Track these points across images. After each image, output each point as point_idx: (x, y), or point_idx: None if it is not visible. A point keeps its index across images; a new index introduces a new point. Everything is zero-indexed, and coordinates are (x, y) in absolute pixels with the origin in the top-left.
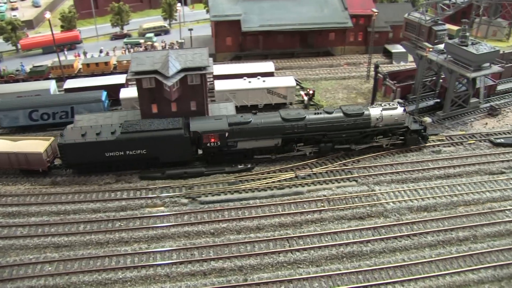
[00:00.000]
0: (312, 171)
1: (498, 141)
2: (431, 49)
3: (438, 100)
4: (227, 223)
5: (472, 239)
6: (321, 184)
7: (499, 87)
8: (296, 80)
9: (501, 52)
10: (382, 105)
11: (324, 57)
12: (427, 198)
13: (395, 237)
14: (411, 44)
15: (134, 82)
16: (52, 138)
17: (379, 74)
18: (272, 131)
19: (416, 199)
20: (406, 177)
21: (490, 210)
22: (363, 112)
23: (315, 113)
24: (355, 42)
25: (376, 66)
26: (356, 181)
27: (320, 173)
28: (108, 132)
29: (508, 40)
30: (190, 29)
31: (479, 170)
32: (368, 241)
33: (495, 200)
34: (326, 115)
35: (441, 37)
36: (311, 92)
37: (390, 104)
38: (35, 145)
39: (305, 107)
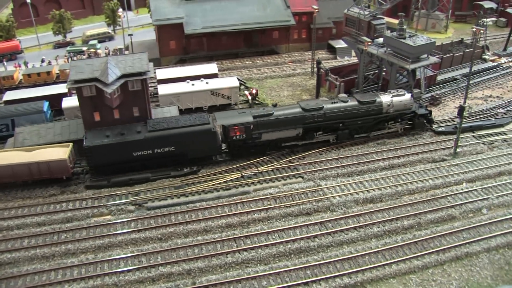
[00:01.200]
0: (258, 170)
1: (440, 129)
2: (370, 43)
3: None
4: (174, 227)
5: (416, 226)
6: (268, 183)
7: (439, 77)
8: (240, 80)
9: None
10: (392, 92)
11: (269, 56)
12: (373, 189)
13: (342, 230)
14: (352, 39)
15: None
16: (71, 144)
17: (321, 70)
18: (294, 121)
19: (361, 192)
20: (351, 170)
21: (433, 197)
22: (375, 100)
23: (331, 102)
24: (299, 40)
25: (318, 62)
26: (302, 177)
27: (266, 171)
28: (132, 131)
29: (447, 32)
30: (130, 35)
31: (422, 159)
32: (315, 236)
33: (438, 187)
34: (342, 104)
35: (380, 31)
36: (254, 91)
37: (399, 91)
38: (56, 152)
39: (249, 107)
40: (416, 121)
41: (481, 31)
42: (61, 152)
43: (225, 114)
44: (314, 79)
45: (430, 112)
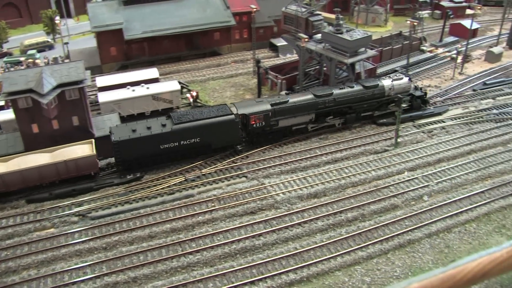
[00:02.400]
0: (201, 172)
1: (381, 121)
2: (307, 40)
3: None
4: (118, 236)
5: (360, 218)
6: (211, 184)
7: (380, 70)
8: (182, 83)
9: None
10: (391, 76)
11: (211, 57)
12: (316, 184)
13: (287, 227)
14: (291, 36)
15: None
16: (92, 140)
17: (261, 69)
18: (308, 107)
19: (305, 187)
20: (295, 167)
21: (376, 188)
22: (378, 84)
23: (340, 88)
24: (241, 40)
25: (257, 61)
26: (246, 177)
27: (210, 173)
28: (158, 125)
29: (386, 25)
30: (66, 43)
31: (364, 151)
32: (260, 235)
33: (380, 177)
34: (349, 89)
35: (318, 27)
36: (194, 94)
37: (397, 75)
38: (81, 150)
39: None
40: (414, 102)
41: (415, 24)
42: (85, 149)
43: (244, 103)
44: (256, 79)
45: (426, 93)
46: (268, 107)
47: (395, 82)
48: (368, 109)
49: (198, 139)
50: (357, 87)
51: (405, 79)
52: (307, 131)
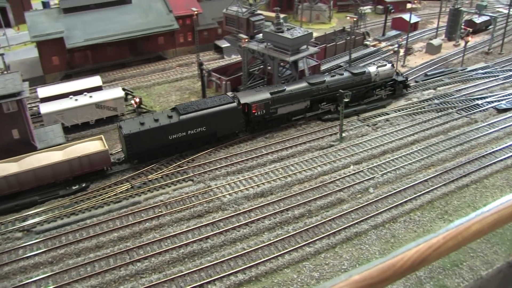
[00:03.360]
0: (147, 178)
1: (326, 116)
2: (247, 40)
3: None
4: (65, 248)
5: (307, 214)
6: (158, 190)
7: (324, 66)
8: (127, 90)
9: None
10: (376, 63)
11: (156, 62)
12: (263, 183)
13: (234, 228)
14: (233, 37)
15: None
16: (102, 136)
17: (204, 72)
18: (304, 95)
19: (252, 187)
20: (241, 167)
21: (322, 184)
22: (365, 71)
23: (331, 76)
24: (185, 43)
25: (200, 64)
26: (192, 180)
27: (156, 179)
28: (164, 117)
29: (331, 22)
30: (1, 54)
31: (310, 148)
32: (207, 237)
33: (326, 173)
34: (339, 76)
35: (259, 27)
36: (137, 100)
37: (381, 62)
38: (93, 145)
39: (138, 115)
40: (397, 87)
41: (355, 19)
42: (97, 145)
43: (245, 93)
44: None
45: (407, 78)
46: (268, 95)
47: (380, 69)
48: (357, 94)
49: (204, 128)
50: (346, 74)
51: (388, 66)
52: (304, 118)
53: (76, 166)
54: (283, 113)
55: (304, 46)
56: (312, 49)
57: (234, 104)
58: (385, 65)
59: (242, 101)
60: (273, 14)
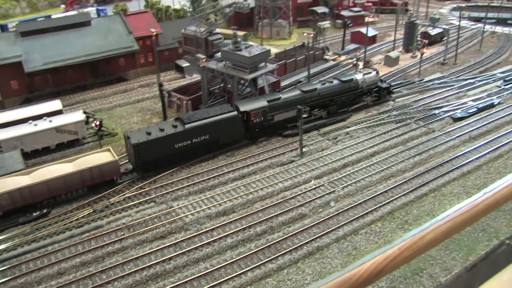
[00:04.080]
0: (109, 201)
1: (286, 132)
2: (204, 60)
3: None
4: (25, 277)
5: (269, 231)
6: (120, 213)
7: (285, 82)
8: (88, 113)
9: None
10: (362, 71)
11: (117, 84)
12: (224, 202)
13: (197, 248)
14: (192, 57)
15: None
16: (109, 147)
17: (164, 92)
18: (298, 102)
19: (214, 206)
20: (203, 187)
21: (283, 200)
22: (352, 78)
23: (322, 84)
24: (146, 64)
25: (160, 85)
26: (155, 201)
27: (118, 202)
28: (169, 126)
29: (291, 38)
30: None
31: (271, 164)
32: (170, 258)
33: (287, 188)
34: (330, 84)
35: (218, 46)
36: (97, 123)
37: (367, 70)
38: (103, 157)
39: (100, 138)
40: (381, 93)
41: (311, 35)
42: (106, 156)
43: (244, 102)
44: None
45: (390, 85)
46: (265, 103)
47: (366, 76)
48: (346, 101)
49: (207, 136)
50: (336, 82)
51: (373, 73)
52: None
53: (87, 177)
54: (279, 120)
55: (262, 64)
56: (271, 66)
57: (235, 113)
58: (370, 72)
59: (242, 109)
60: (239, 33)
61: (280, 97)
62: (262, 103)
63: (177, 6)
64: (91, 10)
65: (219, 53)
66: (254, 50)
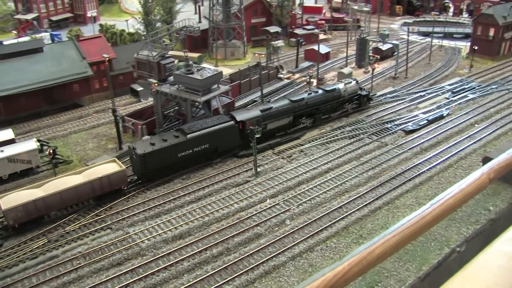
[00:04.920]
0: (65, 230)
1: (241, 153)
2: (156, 84)
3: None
4: None
5: (225, 252)
6: (76, 241)
7: (240, 102)
8: (42, 141)
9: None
10: (343, 81)
11: (72, 110)
12: (181, 225)
13: (153, 273)
14: (145, 81)
15: None
16: (114, 158)
17: (118, 118)
18: (287, 111)
19: (170, 230)
20: (159, 211)
21: (239, 220)
22: (335, 88)
23: (308, 94)
24: (101, 89)
25: (114, 111)
26: (111, 228)
27: (74, 230)
28: (171, 137)
29: (246, 58)
30: None
31: (226, 185)
32: (127, 285)
33: (243, 209)
34: (315, 94)
35: (170, 69)
36: (51, 151)
37: (348, 80)
38: (110, 167)
39: (55, 166)
40: (362, 100)
41: (262, 56)
42: (114, 166)
43: (239, 112)
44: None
45: (369, 93)
46: (259, 113)
47: (347, 85)
48: (330, 109)
49: (207, 145)
50: (321, 91)
51: (353, 82)
52: (288, 133)
53: (97, 187)
54: (272, 128)
55: (215, 85)
56: (223, 88)
57: (232, 122)
58: (351, 82)
59: (238, 118)
60: (190, 54)
61: (272, 107)
62: (256, 112)
63: (132, 30)
64: (45, 36)
65: (171, 76)
66: (206, 73)
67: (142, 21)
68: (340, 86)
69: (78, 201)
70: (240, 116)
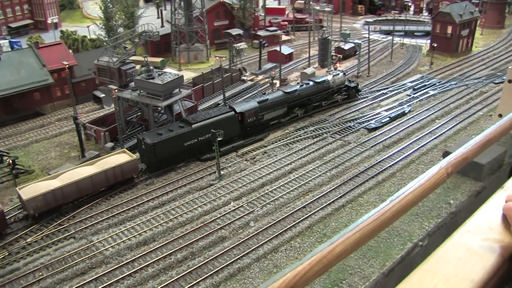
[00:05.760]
0: (26, 242)
1: (204, 156)
2: (116, 91)
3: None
4: None
5: (190, 256)
6: (38, 252)
7: (203, 106)
8: (1, 151)
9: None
10: (332, 73)
11: (34, 119)
12: (145, 232)
13: (117, 281)
14: (106, 87)
15: None
16: (124, 149)
17: (79, 125)
18: (282, 102)
19: (134, 236)
20: (122, 218)
21: (203, 224)
22: (325, 79)
23: (300, 86)
24: (63, 96)
25: (75, 119)
26: (74, 237)
27: (36, 241)
28: (177, 127)
29: (209, 61)
30: None
31: (190, 189)
32: None
33: (207, 212)
34: (306, 86)
35: (131, 75)
36: (10, 161)
37: (336, 72)
38: (121, 157)
39: (15, 177)
40: (350, 92)
41: (223, 58)
42: (125, 156)
43: (239, 104)
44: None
45: (358, 84)
46: (257, 104)
47: (335, 77)
48: (321, 99)
49: (210, 134)
50: (312, 83)
51: (341, 74)
52: (282, 123)
53: (111, 176)
54: (268, 118)
55: (177, 90)
56: (185, 92)
57: (233, 113)
58: (338, 74)
59: (238, 110)
60: (153, 59)
61: (268, 99)
62: (253, 104)
63: (94, 36)
64: (4, 43)
65: (132, 82)
66: (167, 77)
67: (103, 26)
68: (329, 77)
69: (93, 190)
70: (239, 107)
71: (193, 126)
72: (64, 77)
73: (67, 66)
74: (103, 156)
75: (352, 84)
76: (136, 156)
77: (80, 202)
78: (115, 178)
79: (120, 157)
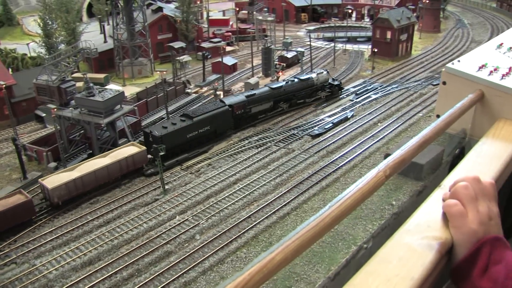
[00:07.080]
0: None
1: (148, 171)
2: (55, 110)
3: (91, 151)
4: None
5: (136, 273)
6: None
7: (147, 120)
8: None
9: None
10: (316, 71)
11: None
12: (90, 251)
13: None
14: (47, 107)
15: None
16: (132, 142)
17: (18, 147)
18: (268, 97)
19: (79, 257)
20: (67, 239)
21: (149, 240)
22: (309, 77)
23: (286, 82)
24: (2, 117)
25: (14, 140)
26: (16, 263)
27: None
28: (179, 120)
29: (153, 75)
30: None
31: (135, 206)
32: None
33: (152, 228)
34: (292, 82)
35: (72, 93)
36: None
37: (319, 70)
38: (131, 149)
39: None
40: (333, 89)
41: (164, 72)
42: (134, 148)
43: (228, 98)
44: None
45: (341, 82)
46: (244, 98)
47: (319, 75)
48: (305, 95)
49: (208, 127)
50: (296, 80)
51: (325, 73)
52: (268, 116)
53: (124, 166)
54: (255, 111)
55: (118, 106)
56: (127, 107)
57: (227, 107)
58: (322, 72)
59: (227, 103)
60: (96, 75)
61: (255, 93)
62: (241, 97)
63: (34, 54)
64: None
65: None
66: (107, 94)
67: (43, 44)
68: (313, 75)
69: (109, 179)
70: (229, 101)
71: (194, 119)
72: (1, 97)
73: (4, 86)
74: (115, 149)
75: (336, 82)
76: (144, 147)
77: (79, 202)
78: (127, 167)
79: (129, 149)
